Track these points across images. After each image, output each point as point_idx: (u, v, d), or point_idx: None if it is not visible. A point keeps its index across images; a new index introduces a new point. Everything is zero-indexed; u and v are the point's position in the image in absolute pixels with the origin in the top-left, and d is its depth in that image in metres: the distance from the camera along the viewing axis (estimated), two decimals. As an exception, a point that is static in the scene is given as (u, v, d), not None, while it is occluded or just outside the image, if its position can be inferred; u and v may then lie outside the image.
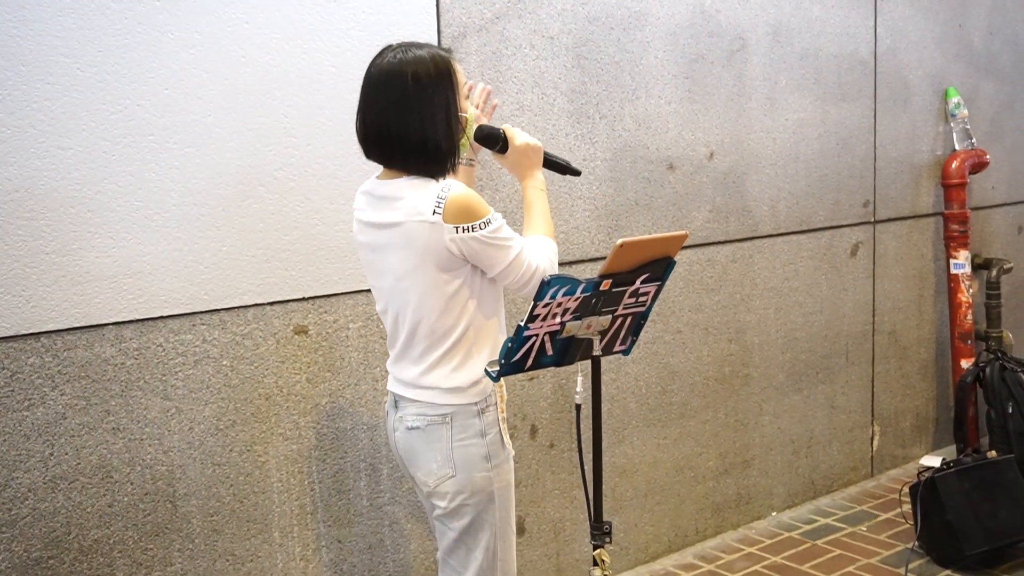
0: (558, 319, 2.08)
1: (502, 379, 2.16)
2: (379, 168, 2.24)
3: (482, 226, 2.07)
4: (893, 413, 4.59)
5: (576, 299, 2.08)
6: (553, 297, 2.04)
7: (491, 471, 2.20)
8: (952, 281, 4.58)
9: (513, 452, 2.28)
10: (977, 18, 4.71)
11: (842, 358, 4.33)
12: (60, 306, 2.41)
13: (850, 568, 3.58)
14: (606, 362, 3.22)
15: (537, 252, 2.18)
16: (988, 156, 4.62)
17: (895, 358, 4.56)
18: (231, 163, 2.63)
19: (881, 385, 4.52)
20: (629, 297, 2.18)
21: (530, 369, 2.13)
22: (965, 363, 4.54)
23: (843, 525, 3.98)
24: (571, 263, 3.33)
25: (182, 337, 2.59)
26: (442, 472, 2.18)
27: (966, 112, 4.57)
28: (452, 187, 2.07)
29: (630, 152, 3.49)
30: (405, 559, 3.04)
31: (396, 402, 2.27)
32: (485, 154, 2.52)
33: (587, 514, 2.28)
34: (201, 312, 2.61)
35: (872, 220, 4.38)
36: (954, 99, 4.56)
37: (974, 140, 4.59)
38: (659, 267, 2.19)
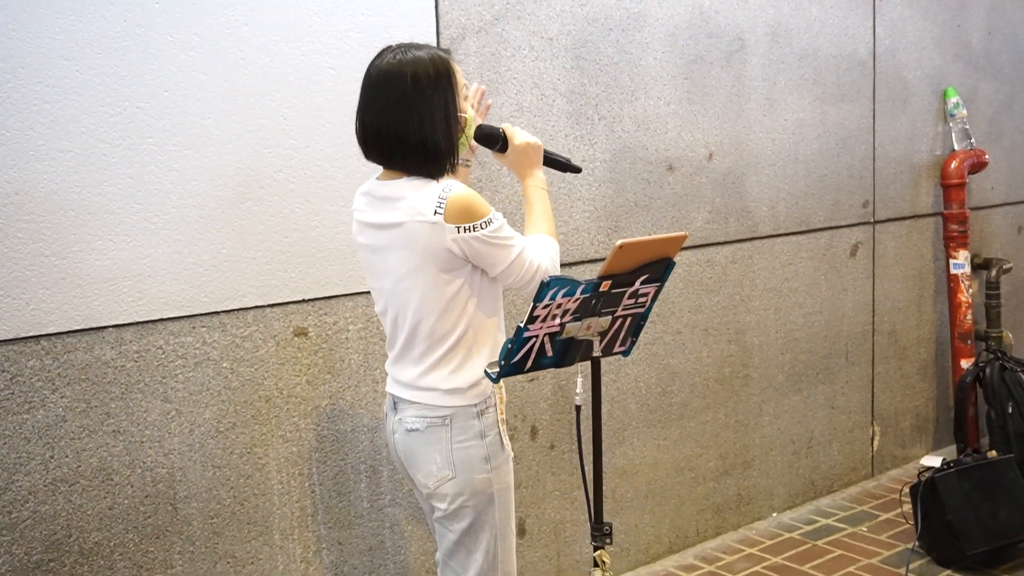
0: (558, 320, 2.08)
1: (501, 380, 2.16)
2: (378, 170, 2.24)
3: (483, 226, 2.07)
4: (893, 413, 4.59)
5: (576, 300, 2.08)
6: (553, 298, 2.04)
7: (491, 472, 2.20)
8: (952, 281, 4.58)
9: (512, 454, 2.28)
10: (976, 18, 4.71)
11: (842, 358, 4.33)
12: (60, 309, 2.41)
13: (851, 568, 3.58)
14: (606, 363, 3.22)
15: (539, 251, 2.18)
16: (987, 156, 4.63)
17: (895, 358, 4.56)
18: (230, 165, 2.63)
19: (881, 385, 4.52)
20: (629, 298, 2.18)
21: (530, 370, 2.13)
22: (965, 363, 4.54)
23: (843, 525, 3.98)
24: (571, 264, 3.33)
25: (182, 339, 2.59)
26: (442, 474, 2.18)
27: (965, 112, 4.57)
28: (453, 187, 2.07)
29: (629, 153, 3.49)
30: (405, 561, 3.04)
31: (395, 404, 2.27)
32: (485, 154, 2.52)
33: (587, 515, 2.28)
34: (201, 314, 2.62)
35: (871, 220, 4.39)
36: (953, 99, 4.56)
37: (973, 140, 4.59)
38: (658, 268, 2.19)
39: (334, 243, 2.82)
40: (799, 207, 4.08)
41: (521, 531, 3.30)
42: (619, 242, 2.06)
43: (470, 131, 2.24)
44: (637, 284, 2.17)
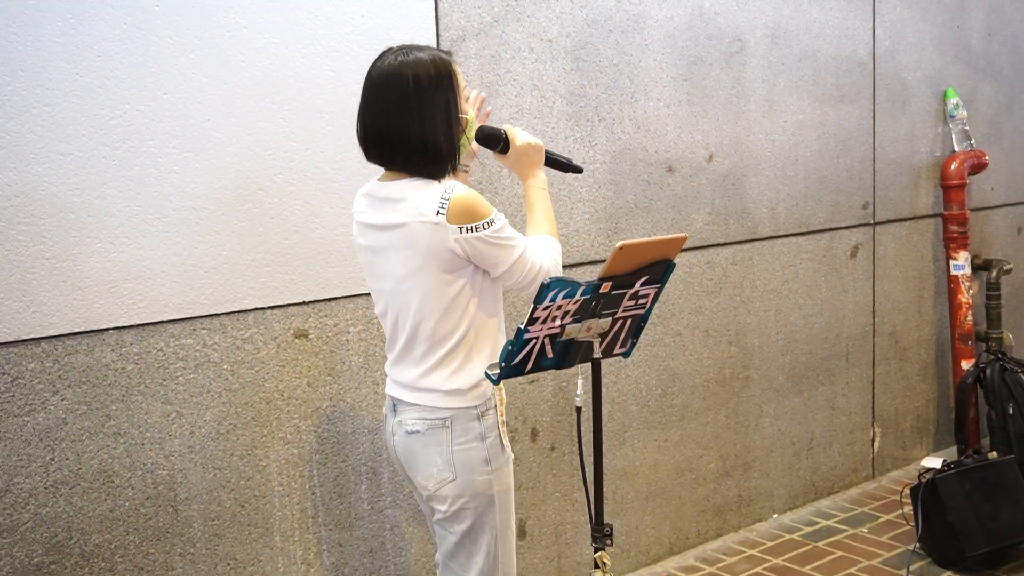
0: (558, 322, 2.08)
1: (501, 382, 2.16)
2: (378, 172, 2.24)
3: (485, 226, 2.07)
4: (894, 414, 4.59)
5: (576, 302, 2.08)
6: (553, 300, 2.04)
7: (491, 474, 2.20)
8: (952, 282, 4.58)
9: (512, 455, 2.28)
10: (975, 19, 4.72)
11: (842, 360, 4.33)
12: (60, 311, 2.41)
13: (851, 570, 3.58)
14: (606, 365, 3.22)
15: (541, 251, 2.18)
16: (987, 157, 4.63)
17: (895, 359, 4.56)
18: (230, 167, 2.63)
19: (881, 386, 4.52)
20: (629, 299, 2.18)
21: (530, 372, 2.13)
22: (965, 364, 4.54)
23: (844, 527, 3.98)
24: (571, 266, 3.33)
25: (182, 342, 2.59)
26: (442, 476, 2.18)
27: (965, 113, 4.58)
28: (455, 188, 2.07)
29: (629, 154, 3.49)
30: (406, 563, 3.04)
31: (394, 406, 2.27)
32: (486, 155, 2.52)
33: (588, 516, 2.28)
34: (201, 316, 2.62)
35: (871, 222, 4.39)
36: (953, 100, 4.56)
37: (973, 141, 4.59)
38: (659, 269, 2.19)
39: (334, 245, 2.82)
40: (799, 208, 4.08)
41: (522, 532, 3.30)
42: (619, 244, 2.06)
43: (471, 132, 2.24)
44: (637, 286, 2.17)
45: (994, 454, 3.76)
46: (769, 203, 3.96)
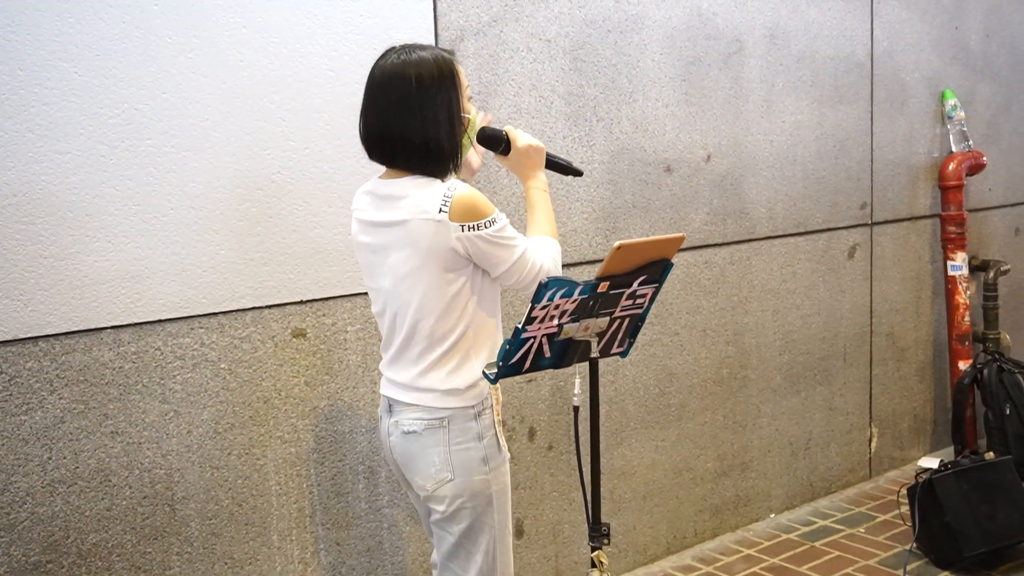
0: (556, 321, 2.08)
1: (498, 382, 2.16)
2: (377, 171, 2.24)
3: (487, 225, 2.08)
4: (891, 415, 4.59)
5: (574, 301, 2.08)
6: (551, 299, 2.04)
7: (489, 474, 2.20)
8: (949, 283, 4.59)
9: (509, 455, 2.29)
10: (974, 20, 4.72)
11: (840, 360, 4.33)
12: (58, 310, 2.41)
13: (848, 570, 3.58)
14: (604, 364, 3.22)
15: (541, 252, 2.19)
16: (985, 158, 4.63)
17: (893, 360, 4.57)
18: (229, 167, 2.63)
19: (879, 387, 4.52)
20: (627, 299, 2.19)
21: (528, 371, 2.14)
22: (963, 365, 4.55)
23: (841, 527, 3.98)
24: (569, 265, 3.33)
25: (180, 341, 2.59)
26: (440, 476, 2.18)
27: (963, 114, 4.58)
28: (458, 187, 2.08)
29: (627, 154, 3.50)
30: (403, 561, 3.04)
31: (390, 407, 2.26)
32: (486, 155, 2.53)
33: (585, 516, 2.28)
34: (199, 316, 2.62)
35: (869, 222, 4.39)
36: (951, 101, 4.57)
37: (971, 142, 4.60)
38: (656, 269, 2.19)
39: (332, 244, 2.82)
40: (797, 209, 4.08)
41: (519, 532, 3.30)
42: (617, 243, 2.07)
43: (473, 132, 2.25)
44: (635, 285, 2.18)
45: (991, 454, 3.76)
46: (767, 203, 3.97)
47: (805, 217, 4.12)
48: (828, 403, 4.30)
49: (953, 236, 4.54)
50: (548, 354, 2.14)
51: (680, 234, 2.25)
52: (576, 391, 2.25)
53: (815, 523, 4.04)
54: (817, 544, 3.82)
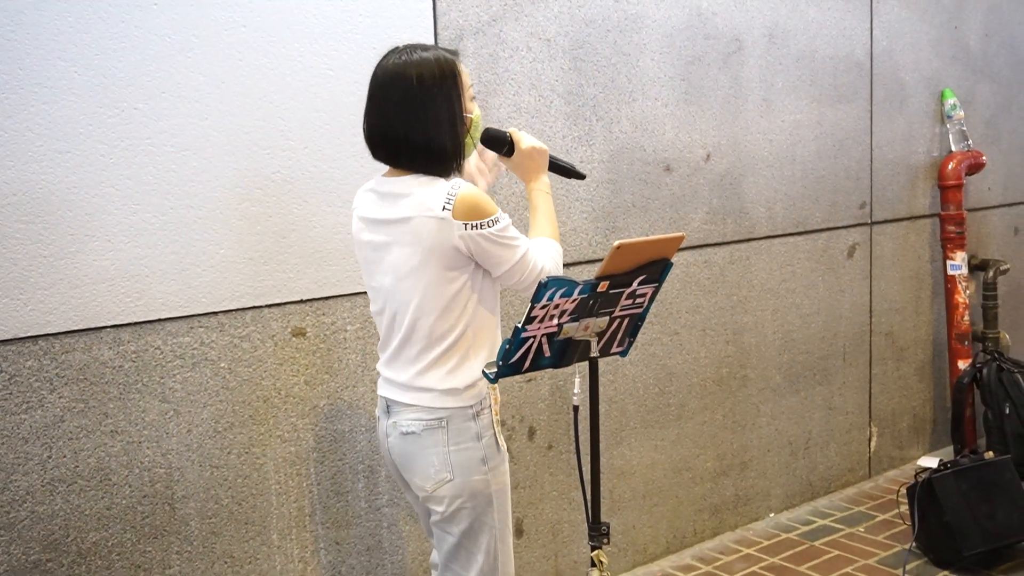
0: (555, 321, 2.08)
1: (497, 382, 2.16)
2: (376, 171, 2.24)
3: (490, 224, 2.08)
4: (890, 414, 4.59)
5: (573, 301, 2.08)
6: (551, 299, 2.04)
7: (488, 474, 2.20)
8: (949, 282, 4.59)
9: (508, 454, 2.29)
10: (973, 20, 4.72)
11: (839, 359, 4.33)
12: (58, 309, 2.41)
13: (848, 569, 3.58)
14: (604, 364, 3.22)
15: (543, 253, 2.20)
16: (984, 158, 4.63)
17: (892, 359, 4.57)
18: (228, 166, 2.63)
19: (878, 386, 4.52)
20: (626, 299, 2.19)
21: (528, 371, 2.14)
22: (962, 364, 4.55)
23: (841, 526, 3.98)
24: (568, 265, 3.33)
25: (180, 340, 2.59)
26: (440, 476, 2.18)
27: (962, 114, 4.58)
28: (462, 185, 2.09)
29: (627, 154, 3.50)
30: (403, 561, 3.04)
31: (388, 408, 2.26)
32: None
33: (585, 515, 2.28)
34: (199, 315, 2.62)
35: (869, 221, 4.39)
36: (950, 101, 4.57)
37: (970, 142, 4.60)
38: (656, 269, 2.19)
39: (332, 244, 2.82)
40: (796, 208, 4.08)
41: (519, 531, 3.31)
42: (617, 243, 2.07)
43: (476, 132, 2.25)
44: (635, 285, 2.18)
45: (990, 454, 3.77)
46: (766, 203, 3.97)
47: (804, 216, 4.12)
48: (827, 402, 4.30)
49: (952, 235, 4.55)
50: (548, 353, 2.14)
51: (680, 233, 2.25)
52: (576, 390, 2.25)
53: (814, 522, 4.04)
54: (816, 543, 3.82)
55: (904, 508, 3.92)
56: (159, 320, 2.56)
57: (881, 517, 4.05)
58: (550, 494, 3.39)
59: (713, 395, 3.86)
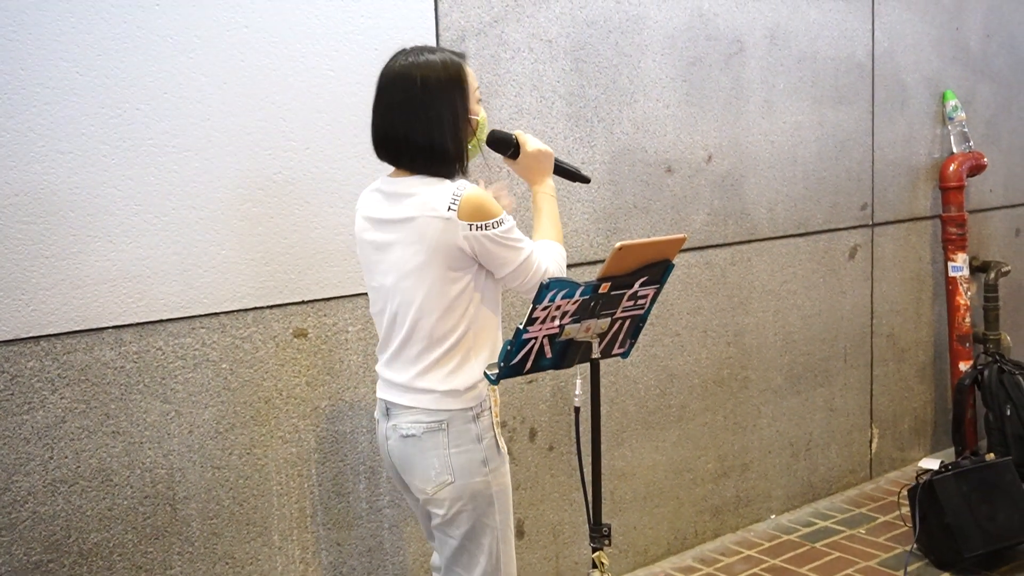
0: (557, 322, 2.09)
1: (498, 383, 2.16)
2: (376, 172, 2.25)
3: (495, 225, 2.09)
4: (891, 416, 4.59)
5: (575, 302, 2.08)
6: (552, 300, 2.04)
7: (489, 475, 2.20)
8: (950, 284, 4.59)
9: (508, 456, 2.28)
10: (974, 21, 4.72)
11: (840, 361, 4.33)
12: (60, 310, 2.41)
13: (849, 571, 3.58)
14: (605, 365, 3.22)
15: (546, 255, 2.20)
16: (985, 159, 4.63)
17: (893, 360, 4.57)
18: (230, 167, 2.63)
19: (879, 388, 4.52)
20: (628, 300, 2.19)
21: (529, 372, 2.14)
22: (963, 366, 4.55)
23: (842, 528, 3.98)
24: (570, 266, 3.33)
25: (181, 340, 2.59)
26: (441, 479, 2.17)
27: (964, 115, 4.58)
28: (467, 186, 2.10)
29: (628, 155, 3.50)
30: (404, 562, 3.04)
31: (387, 410, 2.26)
32: (491, 156, 2.53)
33: (586, 517, 2.28)
34: (200, 316, 2.62)
35: (870, 223, 4.39)
36: (951, 102, 4.57)
37: (971, 143, 4.60)
38: (657, 270, 2.19)
39: (333, 244, 2.82)
40: (798, 209, 4.08)
41: (520, 532, 3.31)
42: (618, 244, 2.07)
43: (482, 134, 2.26)
44: (636, 286, 2.18)
45: (991, 455, 3.77)
46: (768, 204, 3.97)
47: (806, 218, 4.12)
48: (828, 404, 4.30)
49: (954, 237, 4.55)
50: (549, 355, 2.14)
51: (681, 235, 2.25)
52: (577, 392, 2.25)
53: (816, 524, 4.04)
54: (817, 545, 3.82)
55: (905, 510, 3.92)
56: (161, 321, 2.56)
57: (882, 519, 4.05)
58: (551, 495, 3.39)
59: (714, 396, 3.86)
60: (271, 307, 2.74)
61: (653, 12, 3.51)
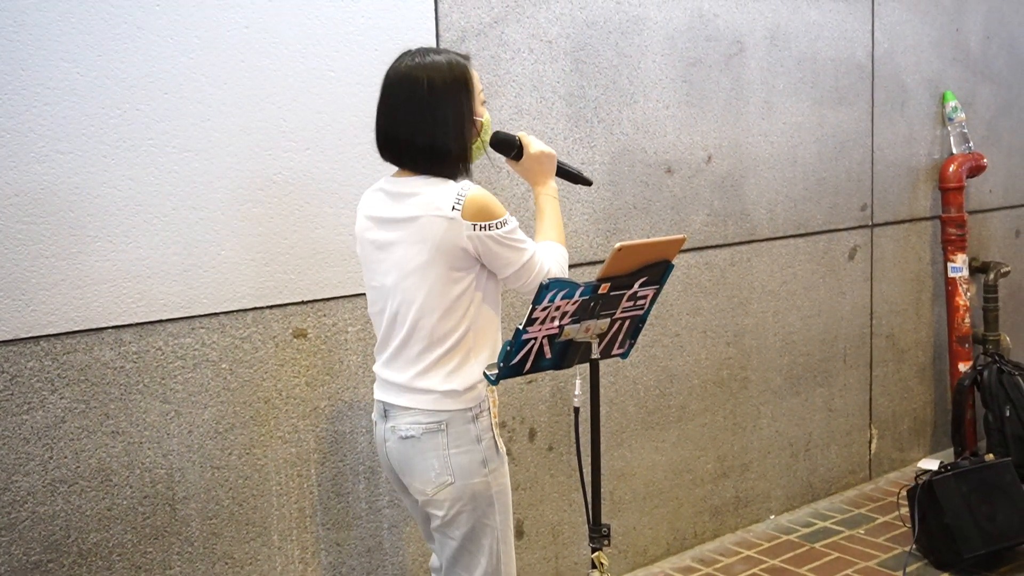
0: (556, 322, 2.09)
1: (497, 384, 2.16)
2: (376, 173, 2.25)
3: (498, 226, 2.10)
4: (891, 416, 4.59)
5: (574, 302, 2.09)
6: (552, 300, 2.04)
7: (488, 476, 2.20)
8: (950, 284, 4.59)
9: (507, 457, 2.28)
10: (974, 22, 4.72)
11: (840, 361, 4.33)
12: (60, 310, 2.41)
13: (848, 571, 3.58)
14: (604, 365, 3.22)
15: (549, 256, 2.21)
16: (985, 160, 4.63)
17: (893, 361, 4.57)
18: (230, 167, 2.64)
19: (879, 388, 4.52)
20: (627, 300, 2.19)
21: (528, 372, 2.14)
22: (963, 366, 4.55)
23: (841, 528, 3.98)
24: (570, 266, 3.31)
25: (181, 341, 2.60)
26: (441, 480, 2.17)
27: (963, 116, 4.58)
28: (471, 187, 2.11)
29: (628, 156, 3.50)
30: (404, 562, 3.04)
31: (385, 412, 2.26)
32: (493, 157, 2.54)
33: (585, 517, 2.28)
34: (200, 316, 2.62)
35: (870, 224, 4.39)
36: (951, 103, 4.57)
37: (971, 144, 4.60)
38: (657, 271, 2.20)
39: (333, 245, 2.82)
40: (797, 210, 4.08)
41: (519, 533, 3.31)
42: (618, 244, 2.07)
43: (486, 135, 2.26)
44: (636, 286, 2.18)
45: (991, 456, 3.77)
46: (768, 204, 3.97)
47: (805, 218, 4.12)
48: (828, 404, 4.30)
49: (953, 238, 4.55)
50: (549, 355, 2.14)
51: (681, 235, 2.25)
52: (577, 392, 2.25)
53: (815, 524, 4.04)
54: (817, 545, 3.82)
55: (904, 510, 3.92)
56: (160, 321, 2.56)
57: (881, 519, 4.05)
58: (550, 495, 3.39)
59: (714, 397, 3.86)
60: (271, 307, 2.74)
61: (653, 13, 3.51)
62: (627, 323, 2.25)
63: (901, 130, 4.46)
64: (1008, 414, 4.21)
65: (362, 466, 2.94)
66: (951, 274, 4.57)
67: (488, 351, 2.19)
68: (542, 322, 2.06)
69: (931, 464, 4.45)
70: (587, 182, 2.50)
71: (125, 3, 2.45)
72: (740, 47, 3.80)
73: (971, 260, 4.66)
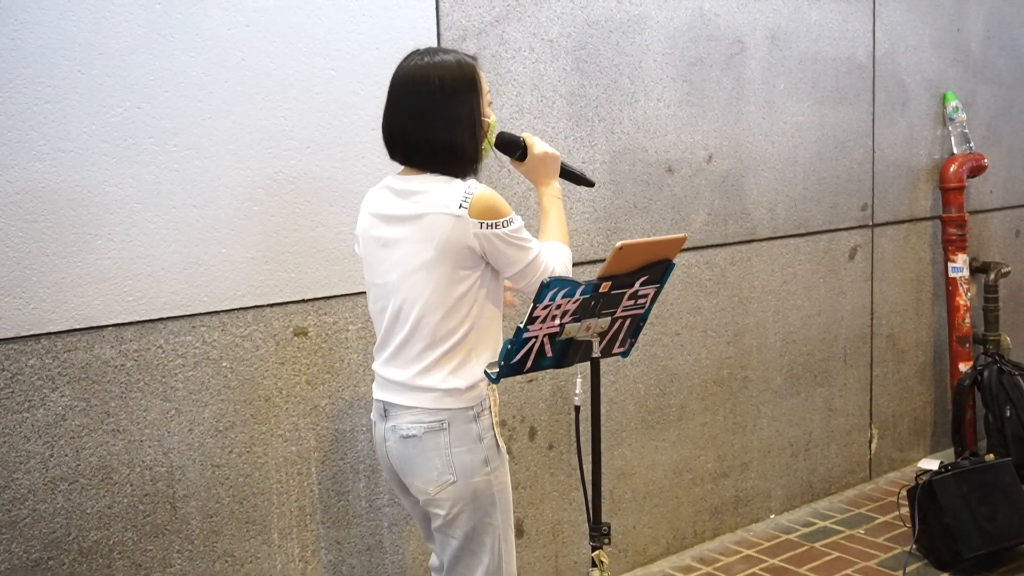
0: (557, 321, 2.09)
1: (498, 382, 2.17)
2: (378, 171, 2.25)
3: (504, 224, 2.10)
4: (891, 416, 4.59)
5: (575, 301, 2.09)
6: (552, 299, 2.04)
7: (490, 475, 2.20)
8: (950, 284, 4.59)
9: (507, 456, 2.29)
10: (975, 23, 4.72)
11: (840, 361, 4.33)
12: (60, 308, 2.42)
13: (848, 571, 3.58)
14: (605, 364, 3.22)
15: (553, 256, 2.21)
16: (986, 160, 4.64)
17: (893, 361, 4.57)
18: (231, 166, 2.64)
19: (879, 388, 4.52)
20: (628, 299, 2.19)
21: (529, 371, 2.14)
22: (963, 366, 4.55)
23: (841, 528, 3.98)
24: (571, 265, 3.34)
25: (182, 339, 2.60)
26: (443, 479, 2.17)
27: (964, 116, 4.58)
28: (478, 186, 2.12)
29: (629, 155, 3.50)
30: (404, 560, 3.04)
31: (385, 411, 2.25)
32: (500, 160, 2.55)
33: (586, 516, 2.28)
34: (201, 314, 2.62)
35: (870, 223, 4.39)
36: (952, 103, 4.57)
37: (972, 144, 4.60)
38: (658, 270, 2.20)
39: (334, 244, 2.82)
40: (798, 210, 4.08)
41: (519, 532, 3.31)
42: (619, 243, 2.08)
43: (492, 136, 2.27)
44: (636, 285, 2.18)
45: (991, 456, 3.77)
46: (768, 204, 3.97)
47: (806, 218, 4.12)
48: (828, 404, 4.30)
49: (954, 238, 4.55)
50: (550, 354, 2.14)
51: (681, 235, 2.25)
52: (577, 391, 2.25)
53: (815, 524, 4.04)
54: (817, 545, 3.83)
55: (904, 510, 3.92)
56: (161, 319, 2.56)
57: (881, 519, 4.05)
58: (551, 494, 3.39)
59: (714, 396, 3.86)
60: (271, 305, 2.74)
61: (654, 12, 3.51)
62: (628, 322, 2.25)
63: (902, 130, 4.46)
64: (1008, 414, 4.22)
65: (362, 464, 2.94)
66: (951, 274, 4.57)
67: (490, 350, 2.20)
68: (543, 320, 2.06)
69: (931, 464, 4.45)
70: (590, 183, 2.51)
71: (126, 2, 2.45)
72: (741, 47, 3.80)
73: (971, 260, 4.67)
